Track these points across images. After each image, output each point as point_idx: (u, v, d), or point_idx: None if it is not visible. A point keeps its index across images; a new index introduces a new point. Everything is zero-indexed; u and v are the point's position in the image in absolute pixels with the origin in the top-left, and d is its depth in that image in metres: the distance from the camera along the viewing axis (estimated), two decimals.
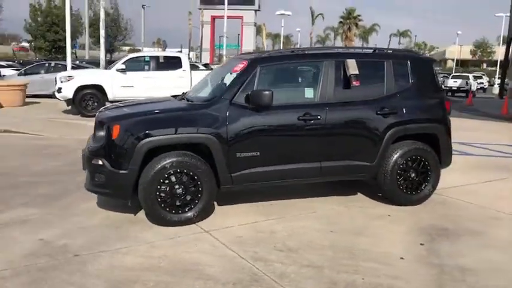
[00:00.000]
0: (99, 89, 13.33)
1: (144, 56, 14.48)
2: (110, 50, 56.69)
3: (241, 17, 59.47)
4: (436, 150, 5.64)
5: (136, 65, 13.72)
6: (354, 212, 5.36)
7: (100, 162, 4.70)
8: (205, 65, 20.40)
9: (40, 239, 4.39)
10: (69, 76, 13.49)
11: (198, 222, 4.85)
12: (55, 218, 4.97)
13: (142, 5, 60.38)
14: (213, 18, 60.22)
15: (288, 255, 4.13)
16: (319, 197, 5.84)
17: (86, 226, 4.76)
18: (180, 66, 13.89)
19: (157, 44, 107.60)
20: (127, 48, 74.22)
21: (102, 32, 18.84)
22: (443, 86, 19.27)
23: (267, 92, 4.78)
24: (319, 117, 5.09)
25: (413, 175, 5.54)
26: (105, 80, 13.29)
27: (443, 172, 5.80)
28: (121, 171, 4.60)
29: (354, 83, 5.27)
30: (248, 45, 59.02)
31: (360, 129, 5.32)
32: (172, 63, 13.94)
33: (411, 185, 5.56)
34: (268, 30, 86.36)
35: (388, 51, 6.22)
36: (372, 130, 5.32)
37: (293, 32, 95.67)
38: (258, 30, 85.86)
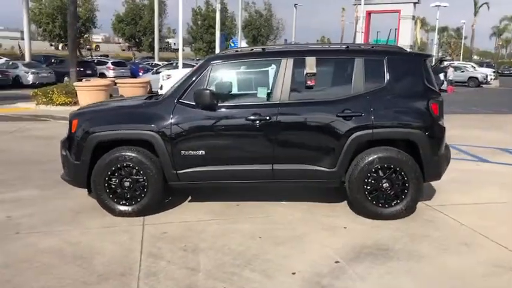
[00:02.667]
0: None
1: None
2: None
3: (398, 11, 56.99)
4: (419, 160, 4.94)
5: None
6: (308, 221, 5.00)
7: (64, 153, 5.24)
8: None
9: (7, 216, 5.08)
10: (168, 75, 14.74)
11: (145, 215, 5.07)
12: (43, 200, 5.65)
13: (295, 4, 61.62)
14: (368, 13, 58.75)
15: (184, 256, 4.11)
16: (294, 202, 5.57)
17: (57, 209, 5.33)
18: None
19: (321, 41, 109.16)
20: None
21: (217, 34, 19.97)
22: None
23: (206, 91, 4.78)
24: (268, 118, 4.88)
25: (385, 186, 4.94)
26: None
27: (466, 186, 5.36)
28: (75, 162, 5.07)
29: (308, 82, 4.92)
30: (405, 40, 56.29)
31: (316, 131, 4.93)
32: None
33: (383, 197, 4.96)
34: (430, 24, 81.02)
35: (364, 47, 5.59)
36: (330, 133, 4.90)
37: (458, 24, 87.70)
38: (423, 23, 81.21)
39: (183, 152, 4.94)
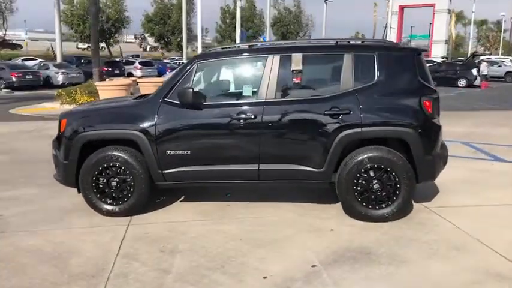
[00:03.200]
0: None
1: None
2: None
3: (433, 5, 55.66)
4: (412, 159, 4.72)
5: None
6: (296, 222, 4.86)
7: (54, 153, 5.28)
8: None
9: (0, 215, 5.17)
10: None
11: (133, 215, 5.05)
12: (39, 199, 5.71)
13: (325, 0, 61.04)
14: (402, 7, 57.66)
15: (159, 257, 4.06)
16: (286, 202, 5.44)
17: (49, 208, 5.37)
18: None
19: (355, 38, 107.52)
20: None
21: (238, 31, 19.92)
22: None
23: (189, 90, 4.71)
24: (253, 116, 4.76)
25: (376, 187, 4.74)
26: None
27: (474, 186, 5.28)
28: (64, 161, 5.09)
29: (294, 79, 4.77)
30: (440, 34, 54.92)
31: (303, 130, 4.79)
32: None
33: (373, 198, 4.77)
34: (468, 17, 78.57)
35: (354, 42, 5.37)
36: (317, 132, 4.74)
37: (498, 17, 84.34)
38: (459, 17, 78.82)
39: (168, 151, 4.88)
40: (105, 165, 4.96)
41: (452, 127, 10.98)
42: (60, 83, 25.96)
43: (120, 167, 4.97)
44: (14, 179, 6.64)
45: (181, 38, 36.83)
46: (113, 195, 5.02)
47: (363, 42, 5.36)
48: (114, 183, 5.00)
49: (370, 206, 4.77)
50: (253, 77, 5.04)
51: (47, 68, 27.72)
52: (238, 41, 20.83)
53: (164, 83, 5.11)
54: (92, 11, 17.41)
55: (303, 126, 4.77)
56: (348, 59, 4.80)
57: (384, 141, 4.83)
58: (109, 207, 5.02)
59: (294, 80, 4.76)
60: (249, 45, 5.26)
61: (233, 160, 4.89)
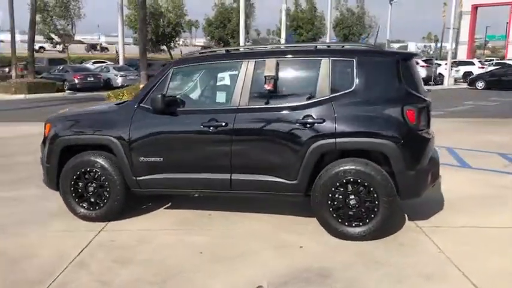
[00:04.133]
0: None
1: None
2: None
3: (510, 3, 52.38)
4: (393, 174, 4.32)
5: None
6: (267, 236, 4.59)
7: (41, 156, 5.37)
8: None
9: None
10: None
11: (110, 220, 5.02)
12: (33, 200, 5.85)
13: (390, 1, 59.12)
14: (475, 7, 54.68)
15: (110, 268, 3.96)
16: (270, 214, 5.18)
17: (36, 210, 5.44)
18: None
19: (427, 39, 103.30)
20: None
21: (283, 34, 19.69)
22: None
23: (159, 96, 4.60)
24: (224, 124, 4.57)
25: (352, 203, 4.38)
26: None
27: (487, 205, 4.93)
28: (47, 165, 5.17)
29: (266, 85, 4.51)
30: None
31: (275, 140, 4.51)
32: None
33: (350, 215, 4.41)
34: None
35: (333, 46, 4.98)
36: (289, 142, 4.45)
37: None
38: None
39: (141, 158, 4.81)
40: (82, 170, 4.98)
41: (499, 136, 10.18)
42: (119, 84, 27.00)
43: (96, 172, 4.96)
44: (15, 181, 6.80)
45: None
46: (91, 200, 5.03)
47: (343, 46, 4.99)
48: (91, 188, 5.00)
49: (346, 223, 4.41)
50: (227, 82, 4.84)
51: (108, 71, 28.98)
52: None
53: (141, 88, 5.04)
54: (140, 16, 17.93)
55: (275, 136, 4.50)
56: (325, 65, 4.48)
57: (367, 153, 4.45)
58: (86, 212, 5.02)
59: (266, 86, 4.50)
60: (226, 50, 5.06)
61: (205, 169, 4.72)
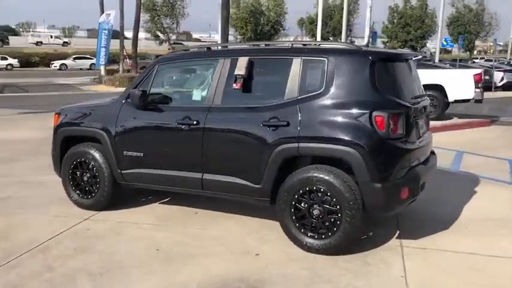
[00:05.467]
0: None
1: None
2: (468, 48, 53.48)
3: None
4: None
5: None
6: (231, 240, 4.45)
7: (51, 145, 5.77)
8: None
9: (8, 196, 5.84)
10: None
11: (101, 210, 5.23)
12: (54, 185, 6.25)
13: None
14: None
15: (64, 256, 4.08)
16: (256, 218, 5.01)
17: (50, 195, 5.80)
18: None
19: None
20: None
21: (366, 32, 18.85)
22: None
23: (136, 92, 4.69)
24: (195, 122, 4.51)
25: (316, 213, 4.08)
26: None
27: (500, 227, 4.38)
28: (53, 152, 5.54)
29: (234, 84, 4.36)
30: None
31: (242, 141, 4.34)
32: None
33: (313, 225, 4.11)
34: None
35: (307, 45, 4.58)
36: (255, 144, 4.26)
37: None
38: None
39: (125, 152, 4.94)
40: (78, 160, 5.25)
41: None
42: None
43: (90, 163, 5.20)
44: (44, 167, 6.92)
45: (341, 38, 36.37)
46: (85, 188, 5.29)
47: (318, 45, 4.62)
48: (85, 178, 5.26)
49: (308, 234, 4.12)
50: (204, 80, 4.77)
51: None
52: (365, 42, 19.67)
53: (131, 83, 5.17)
54: (222, 15, 18.30)
55: (242, 137, 4.34)
56: (296, 64, 4.21)
57: (339, 161, 4.09)
58: (78, 198, 5.29)
59: (235, 85, 4.36)
60: (207, 48, 4.98)
61: (180, 167, 4.71)
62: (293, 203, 4.14)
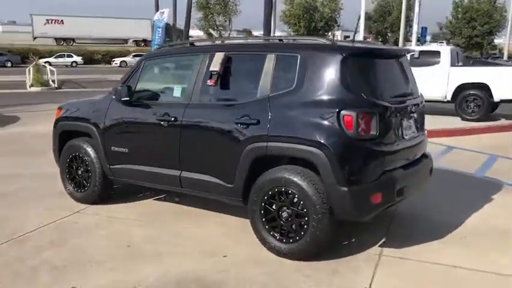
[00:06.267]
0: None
1: None
2: None
3: None
4: None
5: None
6: (208, 241, 4.34)
7: None
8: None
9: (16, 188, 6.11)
10: None
11: (92, 204, 5.32)
12: (48, 179, 6.29)
13: None
14: None
15: (42, 247, 4.16)
16: (241, 217, 4.89)
17: (48, 188, 5.91)
18: (437, 62, 12.05)
19: None
20: None
21: (415, 28, 18.01)
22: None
23: (119, 88, 4.72)
24: (173, 119, 4.46)
25: (285, 216, 3.91)
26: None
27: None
28: (53, 146, 5.70)
29: (208, 81, 4.26)
30: None
31: (216, 139, 4.24)
32: (430, 58, 12.23)
33: (282, 229, 3.94)
34: None
35: (282, 40, 4.33)
36: (228, 143, 4.14)
37: None
38: None
39: (112, 147, 4.98)
40: (74, 154, 5.37)
41: None
42: None
43: (83, 157, 5.30)
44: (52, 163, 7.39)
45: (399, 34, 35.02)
46: (80, 182, 5.40)
47: (294, 40, 4.40)
48: (79, 172, 5.37)
49: (277, 237, 3.96)
50: (185, 77, 4.70)
51: None
52: (413, 39, 18.74)
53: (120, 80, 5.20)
54: (265, 12, 18.26)
55: (215, 135, 4.23)
56: (269, 61, 4.04)
57: (308, 161, 3.89)
58: (72, 190, 5.42)
59: (209, 82, 4.26)
60: (190, 43, 4.90)
61: (161, 163, 4.68)
62: (263, 204, 3.98)
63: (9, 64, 39.89)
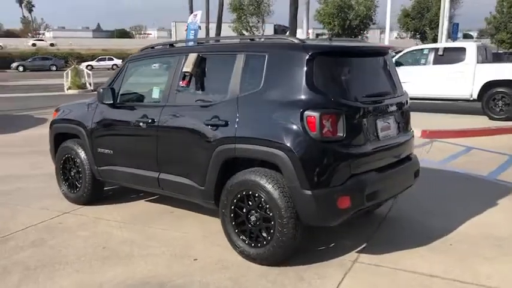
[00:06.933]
0: None
1: (424, 49, 12.75)
2: None
3: None
4: None
5: (414, 58, 12.46)
6: (184, 243, 4.30)
7: None
8: None
9: (19, 187, 6.27)
10: None
11: (84, 205, 5.39)
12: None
13: None
14: None
15: (21, 248, 4.23)
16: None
17: (51, 187, 6.12)
18: (463, 59, 11.55)
19: None
20: None
21: (445, 23, 17.37)
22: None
23: (99, 90, 4.77)
24: (150, 121, 4.45)
25: (253, 219, 3.81)
26: None
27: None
28: (50, 147, 5.82)
29: (180, 82, 4.22)
30: None
31: (188, 140, 4.19)
32: (455, 55, 11.74)
33: (251, 233, 3.85)
34: None
35: (252, 40, 4.19)
36: (198, 144, 4.08)
37: None
38: None
39: (98, 148, 5.03)
40: (66, 156, 5.46)
41: None
42: None
43: (74, 159, 5.39)
44: None
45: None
46: (72, 183, 5.49)
47: (265, 39, 4.27)
48: (72, 173, 5.46)
49: (246, 241, 3.86)
50: (163, 78, 4.66)
51: None
52: (444, 35, 17.97)
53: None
54: (291, 11, 18.11)
55: (188, 136, 4.18)
56: (239, 61, 3.95)
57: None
58: (66, 191, 5.51)
59: (181, 83, 4.22)
60: (169, 44, 4.86)
61: (140, 165, 4.69)
62: (232, 207, 3.90)
63: (54, 68, 41.39)
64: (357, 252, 4.06)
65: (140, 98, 4.93)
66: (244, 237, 3.87)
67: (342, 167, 3.54)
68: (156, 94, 4.63)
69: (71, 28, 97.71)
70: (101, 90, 4.75)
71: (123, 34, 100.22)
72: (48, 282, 3.64)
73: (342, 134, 3.52)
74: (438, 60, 11.97)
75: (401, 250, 4.09)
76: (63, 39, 79.26)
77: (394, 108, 4.05)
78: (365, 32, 41.04)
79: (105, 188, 5.68)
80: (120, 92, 4.86)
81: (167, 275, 3.71)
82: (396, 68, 12.11)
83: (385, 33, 17.95)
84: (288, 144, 3.50)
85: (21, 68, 40.58)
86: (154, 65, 4.86)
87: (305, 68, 3.58)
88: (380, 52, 4.24)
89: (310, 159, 3.48)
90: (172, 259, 4.00)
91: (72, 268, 3.86)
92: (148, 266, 3.88)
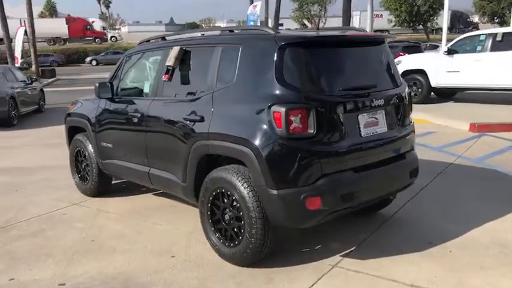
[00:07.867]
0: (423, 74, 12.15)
1: (480, 34, 11.71)
2: None
3: None
4: None
5: (469, 45, 11.54)
6: (172, 239, 4.25)
7: None
8: None
9: (45, 178, 6.56)
10: (398, 61, 13.01)
11: (93, 196, 5.53)
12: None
13: None
14: None
15: (18, 237, 4.42)
16: None
17: (67, 179, 6.32)
18: None
19: None
20: None
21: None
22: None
23: (96, 85, 4.82)
24: (139, 115, 4.43)
25: (226, 218, 3.68)
26: (428, 64, 12.02)
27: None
28: (66, 140, 6.00)
29: (163, 76, 4.14)
30: None
31: (169, 135, 4.10)
32: None
33: (226, 231, 3.72)
34: None
35: (228, 31, 3.92)
36: (179, 139, 3.99)
37: None
38: None
39: (101, 142, 5.11)
40: (77, 149, 5.62)
41: None
42: None
43: (83, 153, 5.53)
44: None
45: None
46: (84, 175, 5.64)
47: (241, 30, 4.02)
48: (83, 165, 5.61)
49: (221, 240, 3.74)
50: (153, 72, 4.60)
51: None
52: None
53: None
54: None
55: (169, 131, 4.10)
56: (216, 54, 3.80)
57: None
58: (78, 183, 5.70)
59: (163, 77, 4.14)
60: (161, 38, 4.76)
61: (135, 159, 4.69)
62: (209, 205, 3.79)
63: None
64: (341, 255, 3.80)
65: (134, 92, 4.92)
66: (220, 236, 3.75)
67: (310, 166, 3.29)
68: (146, 88, 4.60)
69: (145, 22, 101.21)
70: (97, 84, 4.80)
71: (194, 27, 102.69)
72: (26, 273, 3.72)
73: (312, 131, 3.27)
74: (497, 47, 11.00)
75: (391, 256, 3.78)
76: (138, 34, 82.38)
77: (382, 102, 3.71)
78: (434, 18, 38.79)
79: (119, 181, 5.80)
80: (118, 86, 4.89)
81: (137, 271, 3.68)
82: (448, 56, 11.32)
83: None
84: (254, 142, 3.31)
85: (94, 62, 42.66)
86: (148, 58, 4.82)
87: (274, 60, 3.36)
88: (369, 41, 3.90)
89: (276, 157, 3.27)
90: (151, 255, 3.97)
91: (53, 260, 3.93)
92: (124, 261, 3.86)
